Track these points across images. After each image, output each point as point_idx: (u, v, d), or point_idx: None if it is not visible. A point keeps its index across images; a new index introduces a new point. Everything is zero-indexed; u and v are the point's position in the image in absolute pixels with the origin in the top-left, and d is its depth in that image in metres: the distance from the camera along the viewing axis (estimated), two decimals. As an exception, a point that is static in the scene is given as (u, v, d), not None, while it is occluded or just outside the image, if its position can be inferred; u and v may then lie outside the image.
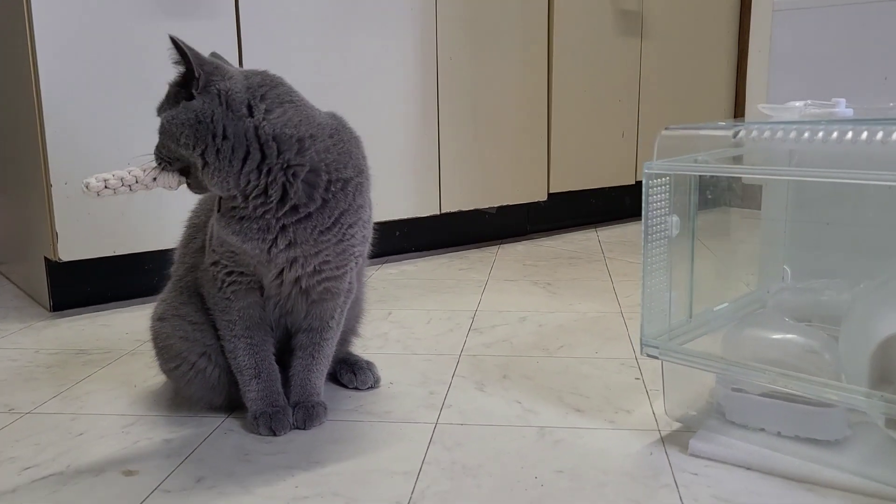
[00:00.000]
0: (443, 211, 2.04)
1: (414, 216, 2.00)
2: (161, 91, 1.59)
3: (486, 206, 2.16)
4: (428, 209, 2.01)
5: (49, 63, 1.44)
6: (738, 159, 1.05)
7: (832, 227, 1.12)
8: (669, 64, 2.52)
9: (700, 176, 1.07)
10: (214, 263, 0.98)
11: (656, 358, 0.96)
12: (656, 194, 0.93)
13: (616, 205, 2.50)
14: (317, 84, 1.78)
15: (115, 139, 1.53)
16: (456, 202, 2.07)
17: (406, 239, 2.07)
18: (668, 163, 0.92)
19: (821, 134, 0.78)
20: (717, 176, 1.06)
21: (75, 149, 1.49)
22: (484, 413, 1.04)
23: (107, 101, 1.51)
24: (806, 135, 0.80)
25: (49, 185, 1.47)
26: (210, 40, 1.61)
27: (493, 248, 2.14)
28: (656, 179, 0.92)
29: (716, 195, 1.12)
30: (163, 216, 1.60)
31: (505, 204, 2.19)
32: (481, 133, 2.09)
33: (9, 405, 1.09)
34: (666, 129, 0.93)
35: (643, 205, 0.93)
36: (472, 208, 2.11)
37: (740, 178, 1.16)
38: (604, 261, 1.95)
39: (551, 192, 2.28)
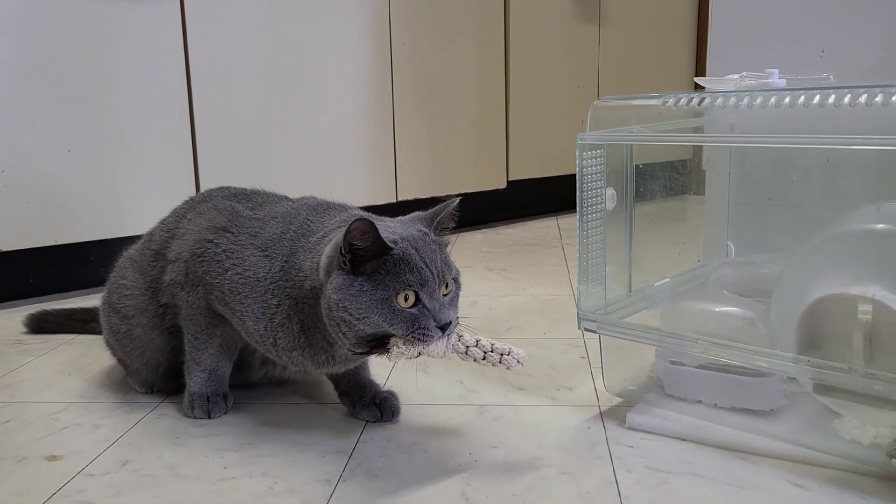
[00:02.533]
0: (399, 199, 2.03)
1: (370, 204, 1.98)
2: (97, 76, 1.55)
3: (445, 195, 2.14)
4: (384, 197, 2.00)
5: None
6: (698, 131, 1.05)
7: (773, 202, 1.12)
8: (629, 49, 2.52)
9: (663, 164, 1.07)
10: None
11: (593, 332, 0.95)
12: (590, 166, 0.92)
13: (577, 193, 2.49)
14: (266, 71, 1.76)
15: (50, 124, 1.49)
16: (413, 190, 2.05)
17: (363, 228, 2.05)
18: (601, 133, 0.91)
19: (745, 100, 0.78)
20: (681, 162, 1.06)
21: (12, 135, 1.45)
22: (425, 394, 1.03)
23: (42, 86, 1.48)
24: (731, 101, 0.80)
25: (-13, 174, 1.43)
26: (153, 27, 1.59)
27: (452, 237, 2.13)
28: (590, 151, 0.91)
29: (680, 183, 1.12)
30: (107, 206, 1.57)
31: (463, 192, 2.17)
32: (438, 120, 2.08)
33: (-62, 395, 1.06)
34: (598, 99, 0.92)
35: (577, 177, 0.92)
36: (429, 196, 2.10)
37: (700, 165, 1.16)
38: (561, 247, 1.95)
39: (511, 179, 2.27)
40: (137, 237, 1.63)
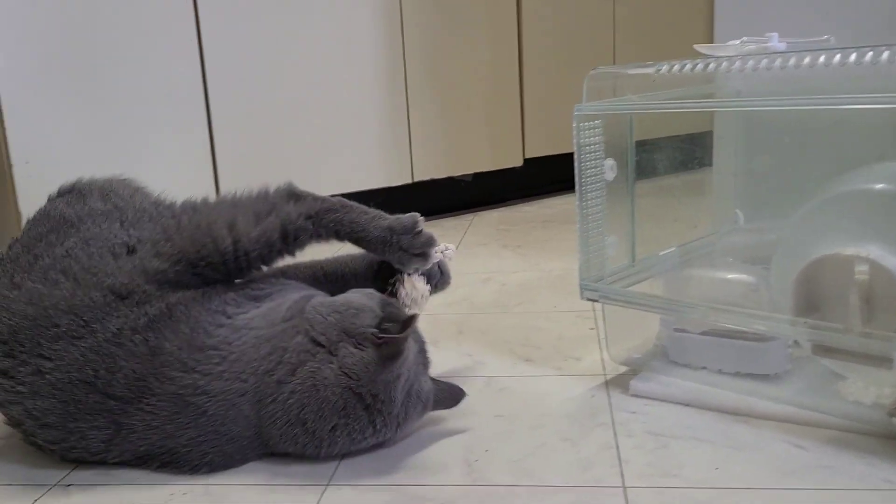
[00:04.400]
0: (415, 179, 2.04)
1: (386, 185, 2.00)
2: (114, 66, 1.59)
3: (461, 174, 2.15)
4: (400, 178, 2.01)
5: (1, 39, 1.44)
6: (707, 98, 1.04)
7: (780, 168, 1.11)
8: (644, 22, 2.49)
9: (674, 137, 1.07)
10: None
11: (595, 301, 0.96)
12: (589, 137, 0.92)
13: (595, 169, 2.48)
14: (278, 56, 1.78)
15: (71, 115, 1.53)
16: (429, 170, 2.06)
17: (379, 209, 2.06)
18: (598, 104, 0.92)
19: (736, 63, 0.78)
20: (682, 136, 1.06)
21: (35, 127, 1.49)
22: (433, 366, 1.04)
23: (62, 77, 1.51)
24: (724, 65, 0.80)
25: (10, 165, 1.47)
26: (167, 16, 1.62)
27: (469, 217, 2.14)
28: (587, 122, 0.92)
29: (694, 155, 1.11)
30: (128, 193, 1.61)
31: (480, 171, 2.18)
32: (452, 100, 2.08)
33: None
34: (594, 69, 0.92)
35: (575, 149, 0.92)
36: (445, 176, 2.11)
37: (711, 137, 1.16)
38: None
39: (527, 157, 2.27)
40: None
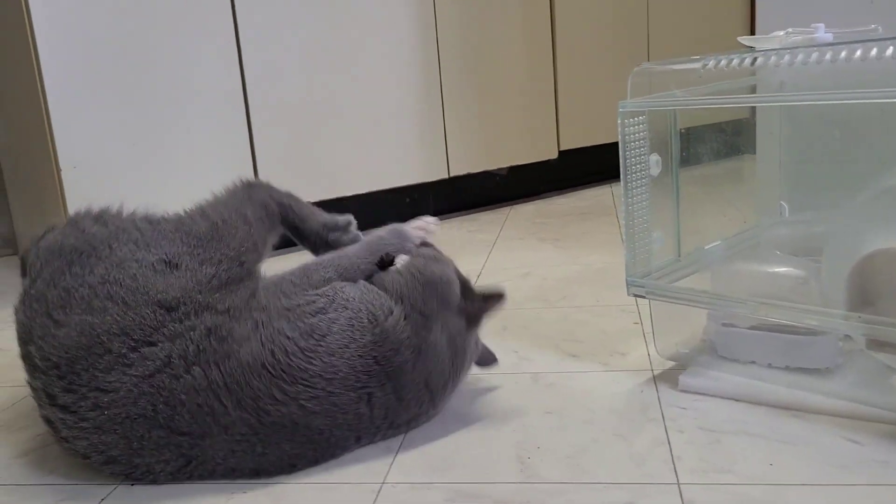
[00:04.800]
0: (451, 174, 2.05)
1: (423, 181, 2.01)
2: (156, 70, 1.62)
3: (496, 168, 2.16)
4: (436, 174, 2.02)
5: (47, 45, 1.48)
6: (750, 90, 1.03)
7: (827, 159, 1.10)
8: (679, 12, 2.47)
9: (716, 124, 1.07)
10: None
11: (642, 297, 0.96)
12: (633, 133, 0.92)
13: (630, 159, 2.47)
14: (314, 54, 1.79)
15: (116, 119, 1.56)
16: (464, 165, 2.07)
17: (416, 205, 2.08)
18: (643, 100, 0.91)
19: (785, 58, 0.77)
20: (734, 123, 1.05)
21: (81, 132, 1.53)
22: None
23: (107, 83, 1.54)
24: (772, 59, 0.79)
25: (59, 170, 1.51)
26: (206, 19, 1.64)
27: (505, 210, 2.15)
28: (632, 118, 0.92)
29: (734, 143, 1.11)
30: (169, 196, 1.64)
31: (515, 164, 2.18)
32: (486, 94, 2.08)
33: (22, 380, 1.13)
34: (639, 66, 0.92)
35: (620, 145, 0.92)
36: (480, 170, 2.11)
37: (753, 123, 1.15)
38: (615, 215, 1.94)
39: (562, 149, 2.27)
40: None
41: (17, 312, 0.85)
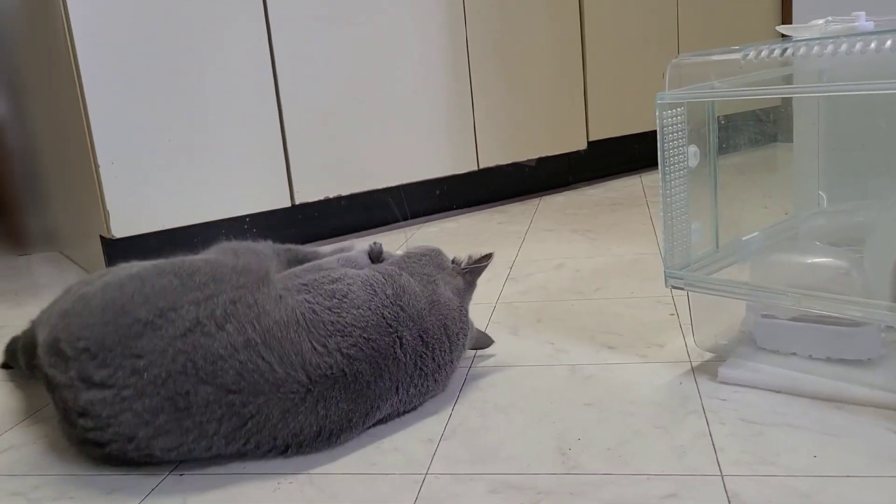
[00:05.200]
0: (481, 166, 2.05)
1: (452, 174, 2.02)
2: (190, 67, 1.64)
3: (525, 159, 2.16)
4: (466, 166, 2.03)
5: (85, 44, 1.50)
6: (787, 79, 1.02)
7: (866, 148, 1.09)
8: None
9: (749, 111, 1.06)
10: None
11: (681, 289, 0.96)
12: (671, 125, 0.92)
13: (660, 149, 2.45)
14: (343, 45, 1.80)
15: (152, 115, 1.58)
16: (493, 157, 2.07)
17: (446, 197, 2.09)
18: (681, 92, 0.91)
19: (829, 47, 0.76)
20: (767, 111, 1.04)
21: (118, 129, 1.55)
22: (516, 355, 1.06)
23: (143, 80, 1.57)
24: (815, 49, 0.78)
25: (97, 166, 1.54)
26: (238, 16, 1.65)
27: (534, 201, 2.14)
28: (670, 110, 0.91)
29: (768, 131, 1.10)
30: (204, 190, 1.66)
31: (544, 155, 2.18)
32: (515, 85, 2.08)
33: (72, 372, 1.16)
34: (677, 57, 0.92)
35: (658, 137, 0.92)
36: (510, 162, 2.11)
37: (788, 111, 1.14)
38: (646, 205, 1.93)
39: (591, 140, 2.26)
40: (234, 219, 1.72)
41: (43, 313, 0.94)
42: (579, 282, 1.37)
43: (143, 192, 1.60)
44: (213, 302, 0.82)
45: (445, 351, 0.92)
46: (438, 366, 0.91)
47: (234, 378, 0.79)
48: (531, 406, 0.91)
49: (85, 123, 1.52)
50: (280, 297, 0.86)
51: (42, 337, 0.88)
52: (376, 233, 1.92)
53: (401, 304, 0.89)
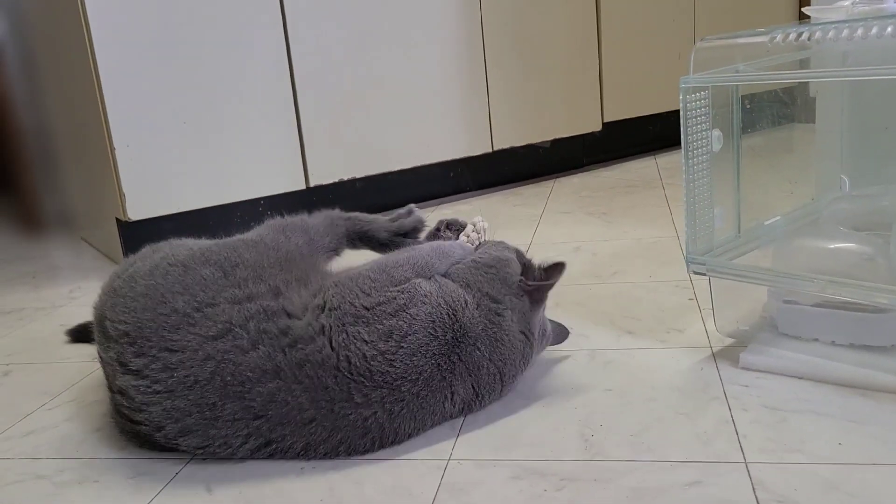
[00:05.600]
0: (495, 148, 2.04)
1: (466, 155, 2.01)
2: (204, 50, 1.63)
3: (539, 141, 2.14)
4: (480, 147, 2.02)
5: (100, 26, 1.49)
6: (803, 65, 1.01)
7: (891, 130, 1.08)
8: (725, -22, 2.41)
9: (767, 92, 1.04)
10: None
11: (703, 275, 0.95)
12: (695, 108, 0.91)
13: (675, 129, 2.40)
14: (357, 28, 1.79)
15: (167, 99, 1.58)
16: (508, 138, 2.06)
17: (460, 179, 2.08)
18: (705, 75, 0.90)
19: (859, 31, 0.75)
20: (779, 90, 1.03)
21: (133, 111, 1.55)
22: (536, 339, 1.06)
23: (158, 63, 1.56)
24: (845, 32, 0.77)
25: (113, 149, 1.54)
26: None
27: (549, 183, 2.13)
28: (694, 94, 0.90)
29: (787, 112, 1.08)
30: (219, 173, 1.66)
31: (558, 137, 2.16)
32: (529, 66, 2.06)
33: (91, 354, 1.17)
34: (701, 40, 0.90)
35: (682, 121, 0.91)
36: (524, 144, 2.10)
37: (807, 91, 1.12)
38: (662, 187, 1.92)
39: (606, 121, 2.24)
40: (249, 201, 1.72)
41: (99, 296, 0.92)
42: (597, 265, 1.36)
43: (158, 174, 1.59)
44: (248, 309, 0.81)
45: (496, 394, 0.86)
46: (482, 406, 0.86)
47: (262, 404, 0.78)
48: (552, 392, 0.90)
49: (100, 106, 1.52)
50: (323, 328, 0.80)
51: (94, 309, 0.91)
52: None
53: (458, 352, 0.81)
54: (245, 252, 0.88)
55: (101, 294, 0.92)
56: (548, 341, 0.95)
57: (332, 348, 0.78)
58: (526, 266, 0.91)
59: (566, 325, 1.02)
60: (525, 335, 0.87)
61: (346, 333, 0.79)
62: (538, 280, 0.90)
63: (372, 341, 0.79)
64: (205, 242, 0.94)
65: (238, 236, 0.95)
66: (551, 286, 0.90)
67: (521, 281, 0.89)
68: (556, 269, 0.91)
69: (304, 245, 0.94)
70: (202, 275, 0.84)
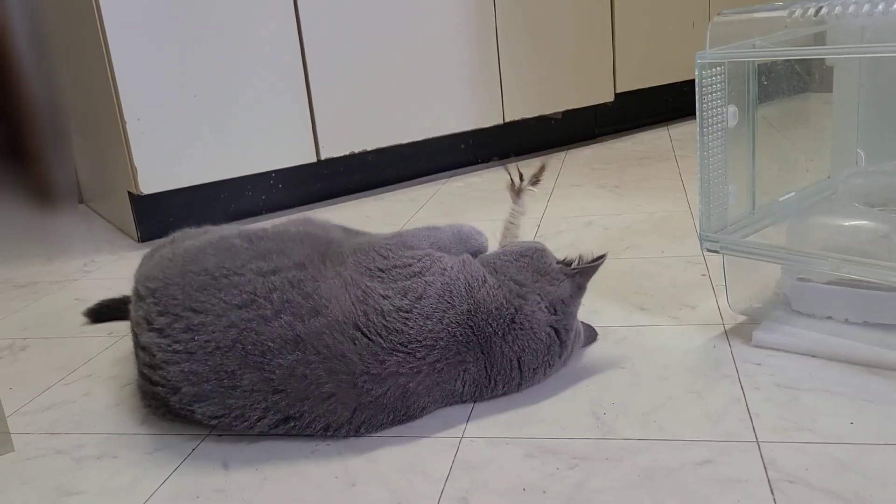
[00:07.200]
0: (506, 120, 2.02)
1: (477, 127, 1.99)
2: (214, 24, 1.62)
3: (551, 112, 2.12)
4: (491, 119, 2.00)
5: (111, 1, 1.48)
6: (819, 38, 0.99)
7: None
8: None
9: (781, 61, 1.02)
10: None
11: (716, 252, 0.95)
12: (711, 84, 0.90)
13: (688, 100, 2.38)
14: (369, 4, 1.77)
15: (177, 72, 1.57)
16: (519, 110, 2.04)
17: (471, 151, 2.07)
18: (722, 50, 0.89)
19: (880, 6, 0.74)
20: (793, 60, 1.01)
21: (144, 85, 1.54)
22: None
23: (168, 36, 1.55)
24: (865, 8, 0.75)
25: (124, 122, 1.53)
26: (261, -35, 1.62)
27: (561, 154, 2.12)
28: (710, 69, 0.89)
29: (799, 81, 1.07)
30: (230, 146, 1.66)
31: (570, 108, 2.15)
32: (541, 36, 2.04)
33: (108, 329, 1.18)
34: (718, 14, 0.89)
35: (697, 97, 0.90)
36: (536, 115, 2.08)
37: (822, 60, 1.10)
38: (674, 159, 1.90)
39: (618, 91, 2.22)
40: (260, 174, 1.72)
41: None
42: (609, 240, 1.36)
43: (169, 148, 1.59)
44: (272, 282, 0.81)
45: (513, 384, 0.84)
46: (496, 393, 0.85)
47: (281, 378, 0.78)
48: (564, 369, 0.91)
49: (111, 79, 1.51)
50: (346, 283, 0.81)
51: (134, 276, 0.94)
52: (403, 187, 1.92)
53: (472, 325, 0.81)
54: (270, 230, 0.91)
55: (141, 262, 0.97)
56: (580, 343, 0.92)
57: (353, 304, 0.79)
58: (564, 260, 0.91)
59: (582, 305, 1.02)
60: (555, 330, 0.85)
61: (365, 285, 0.81)
62: (580, 266, 0.89)
63: (388, 296, 0.80)
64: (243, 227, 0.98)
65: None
66: (595, 269, 0.89)
67: (561, 265, 0.88)
68: (600, 257, 0.89)
69: (321, 230, 0.95)
70: (232, 244, 0.87)
